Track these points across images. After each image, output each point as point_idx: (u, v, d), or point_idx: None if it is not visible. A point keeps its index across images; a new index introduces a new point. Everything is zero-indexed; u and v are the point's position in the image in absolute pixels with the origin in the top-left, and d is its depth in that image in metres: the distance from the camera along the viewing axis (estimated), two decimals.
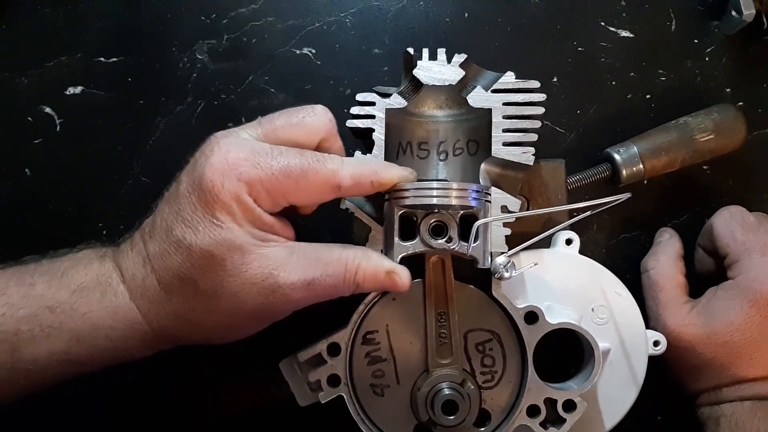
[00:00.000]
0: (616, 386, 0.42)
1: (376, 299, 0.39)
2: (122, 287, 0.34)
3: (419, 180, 0.41)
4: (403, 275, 0.36)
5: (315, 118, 0.36)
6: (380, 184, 0.36)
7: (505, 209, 0.39)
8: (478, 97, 0.39)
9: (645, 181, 0.47)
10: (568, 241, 0.44)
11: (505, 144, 0.39)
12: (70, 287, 0.34)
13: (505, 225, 0.39)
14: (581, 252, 0.44)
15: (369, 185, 0.35)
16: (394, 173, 0.36)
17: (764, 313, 0.40)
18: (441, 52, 0.39)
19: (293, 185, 0.34)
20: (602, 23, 0.49)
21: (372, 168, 0.35)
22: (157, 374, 0.45)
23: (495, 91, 0.39)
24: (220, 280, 0.33)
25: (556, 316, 0.39)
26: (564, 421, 0.38)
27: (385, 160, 0.39)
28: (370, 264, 0.35)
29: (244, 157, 0.33)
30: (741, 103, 0.49)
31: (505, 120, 0.39)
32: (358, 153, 0.39)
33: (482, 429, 0.39)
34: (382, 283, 0.35)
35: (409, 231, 0.37)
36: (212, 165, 0.33)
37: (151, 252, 0.34)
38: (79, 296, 0.34)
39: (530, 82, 0.39)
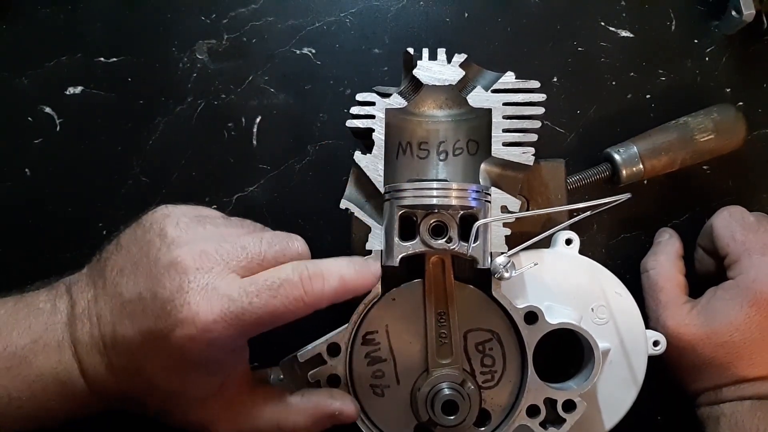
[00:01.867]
0: (615, 386, 0.42)
1: (375, 299, 0.39)
2: (83, 383, 0.35)
3: (420, 180, 0.41)
4: (347, 409, 0.37)
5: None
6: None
7: (505, 209, 0.39)
8: (478, 97, 0.39)
9: (645, 181, 0.47)
10: (568, 241, 0.44)
11: (505, 144, 0.39)
12: (29, 378, 0.34)
13: (505, 225, 0.39)
14: (581, 252, 0.44)
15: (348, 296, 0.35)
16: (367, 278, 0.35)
17: (764, 313, 0.40)
18: (441, 52, 0.39)
19: (264, 327, 0.33)
20: (602, 23, 0.49)
21: (354, 283, 0.35)
22: None
23: (495, 91, 0.39)
24: (167, 407, 0.36)
25: (556, 316, 0.39)
26: (564, 421, 0.38)
27: (385, 159, 0.39)
28: (307, 420, 0.36)
29: (214, 319, 0.31)
30: (741, 103, 0.49)
31: (505, 120, 0.39)
32: (357, 153, 0.39)
33: (482, 429, 0.39)
34: (325, 426, 0.37)
35: (409, 231, 0.37)
36: (182, 330, 0.31)
37: (115, 364, 0.34)
38: (38, 387, 0.34)
39: (530, 82, 0.39)
